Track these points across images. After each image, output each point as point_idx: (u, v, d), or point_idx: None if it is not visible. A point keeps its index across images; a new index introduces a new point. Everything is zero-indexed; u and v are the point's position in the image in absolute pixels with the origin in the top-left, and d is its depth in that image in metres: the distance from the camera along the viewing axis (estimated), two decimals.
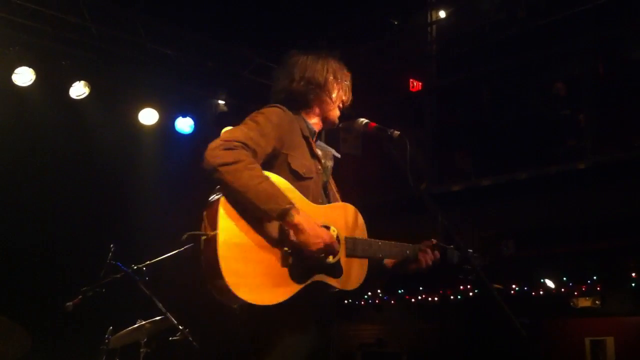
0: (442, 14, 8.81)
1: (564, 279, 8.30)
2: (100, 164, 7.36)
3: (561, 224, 7.41)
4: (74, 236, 6.76)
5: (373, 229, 2.71)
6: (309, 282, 2.40)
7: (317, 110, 2.75)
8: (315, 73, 2.71)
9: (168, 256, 4.49)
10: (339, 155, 2.85)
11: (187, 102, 7.87)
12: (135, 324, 4.45)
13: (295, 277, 2.36)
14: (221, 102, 7.96)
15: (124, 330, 4.44)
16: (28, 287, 6.38)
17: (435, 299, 9.51)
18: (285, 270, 2.34)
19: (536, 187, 7.46)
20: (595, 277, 8.07)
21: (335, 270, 2.50)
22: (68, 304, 4.14)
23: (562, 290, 8.34)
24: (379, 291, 9.89)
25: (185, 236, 2.38)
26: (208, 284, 2.30)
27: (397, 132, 2.64)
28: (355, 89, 2.86)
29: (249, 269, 2.28)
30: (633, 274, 7.79)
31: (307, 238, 2.33)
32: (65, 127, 7.00)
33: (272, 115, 2.53)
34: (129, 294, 4.44)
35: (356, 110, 2.86)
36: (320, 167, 2.67)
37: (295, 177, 2.51)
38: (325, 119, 2.78)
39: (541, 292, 8.46)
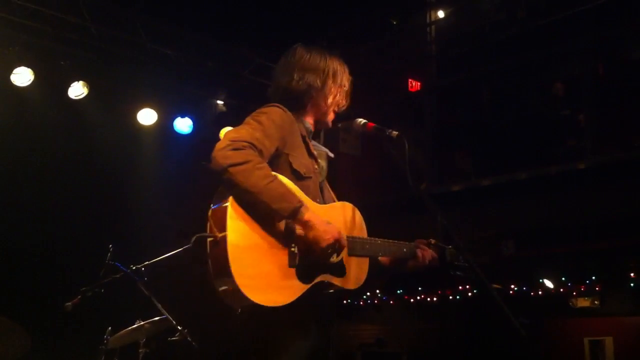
0: (440, 14, 8.81)
1: (563, 279, 8.30)
2: (99, 164, 7.35)
3: (561, 224, 7.41)
4: (73, 236, 6.76)
5: (373, 229, 2.71)
6: (314, 282, 2.41)
7: (311, 112, 2.75)
8: (315, 75, 2.69)
9: (167, 256, 4.48)
10: (332, 155, 2.85)
11: (186, 102, 7.87)
12: (135, 324, 4.45)
13: (302, 277, 2.36)
14: (220, 102, 7.96)
15: (123, 331, 4.44)
16: (27, 287, 6.38)
17: (435, 299, 9.51)
18: (292, 270, 2.34)
19: (536, 187, 7.46)
20: (594, 277, 8.07)
21: (339, 270, 2.51)
22: (67, 304, 4.13)
23: (561, 290, 8.34)
24: (377, 292, 9.89)
25: (194, 238, 2.37)
26: (216, 286, 2.29)
27: (395, 132, 2.64)
28: (355, 89, 2.85)
29: (257, 270, 2.27)
30: (632, 274, 7.79)
31: (318, 234, 2.34)
32: (64, 127, 7.00)
33: (275, 116, 2.52)
34: (128, 294, 4.43)
35: (356, 110, 2.85)
36: (317, 166, 2.68)
37: (296, 177, 2.51)
38: (318, 122, 2.78)
39: (540, 293, 8.46)
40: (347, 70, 2.81)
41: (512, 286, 8.57)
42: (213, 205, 2.37)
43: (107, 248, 4.34)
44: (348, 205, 2.67)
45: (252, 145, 2.34)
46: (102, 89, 7.11)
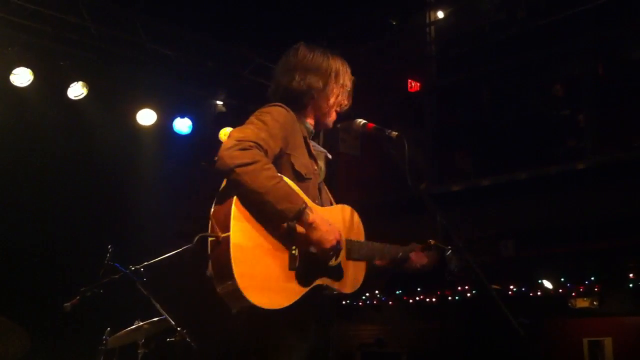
0: (440, 14, 8.81)
1: (562, 279, 8.29)
2: (98, 165, 7.35)
3: (561, 224, 7.40)
4: (73, 236, 6.76)
5: (373, 230, 2.71)
6: (313, 285, 2.41)
7: (312, 112, 2.75)
8: (317, 76, 2.68)
9: (166, 257, 4.48)
10: (330, 157, 2.85)
11: (186, 102, 7.86)
12: (134, 325, 4.45)
13: (301, 280, 2.37)
14: (220, 102, 7.95)
15: (122, 331, 4.44)
16: (27, 287, 6.37)
17: (434, 299, 9.50)
18: (292, 273, 2.35)
19: (536, 187, 7.46)
20: (593, 278, 8.06)
21: (337, 273, 2.51)
22: (66, 304, 4.13)
23: (561, 290, 8.33)
24: (377, 292, 9.88)
25: (196, 238, 2.36)
26: (216, 285, 2.29)
27: (395, 133, 2.63)
28: (355, 89, 2.84)
29: (258, 271, 2.27)
30: (631, 275, 7.78)
31: (322, 234, 2.34)
32: (64, 127, 6.99)
33: (278, 116, 2.51)
34: (128, 295, 4.43)
35: (356, 111, 2.85)
36: (316, 167, 2.67)
37: (297, 178, 2.50)
38: (319, 122, 2.77)
39: (539, 293, 8.45)
40: (349, 70, 2.80)
41: (512, 286, 8.56)
42: (215, 205, 2.36)
43: (107, 248, 4.34)
44: (347, 208, 2.67)
45: (259, 146, 2.33)
46: (101, 89, 7.10)
